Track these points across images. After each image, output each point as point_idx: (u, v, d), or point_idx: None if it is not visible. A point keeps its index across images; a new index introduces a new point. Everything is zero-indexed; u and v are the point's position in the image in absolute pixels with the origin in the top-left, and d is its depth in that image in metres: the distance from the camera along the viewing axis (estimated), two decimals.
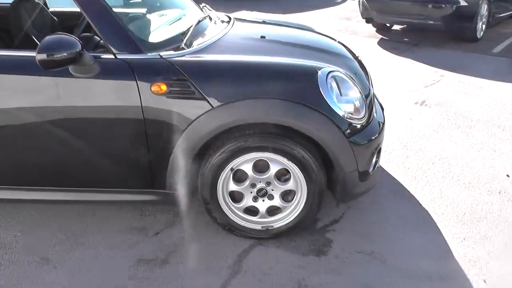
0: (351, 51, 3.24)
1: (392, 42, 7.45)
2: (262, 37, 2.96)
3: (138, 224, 2.88)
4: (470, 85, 5.37)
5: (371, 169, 2.70)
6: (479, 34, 7.28)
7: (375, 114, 2.77)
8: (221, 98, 2.38)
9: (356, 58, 3.12)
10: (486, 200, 3.12)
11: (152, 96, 2.38)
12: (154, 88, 2.37)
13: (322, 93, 2.41)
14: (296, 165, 2.47)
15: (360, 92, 2.61)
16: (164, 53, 2.46)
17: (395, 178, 3.40)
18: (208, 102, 2.37)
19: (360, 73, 2.89)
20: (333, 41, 3.35)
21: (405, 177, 3.41)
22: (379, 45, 7.25)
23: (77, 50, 2.27)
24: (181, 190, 2.58)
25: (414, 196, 3.17)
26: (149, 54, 2.44)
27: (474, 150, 3.81)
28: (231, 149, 2.44)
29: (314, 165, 2.47)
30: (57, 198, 2.68)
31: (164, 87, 2.37)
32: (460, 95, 5.04)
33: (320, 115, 2.41)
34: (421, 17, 7.11)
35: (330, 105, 2.43)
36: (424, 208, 3.04)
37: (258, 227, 2.67)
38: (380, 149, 2.77)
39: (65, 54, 2.25)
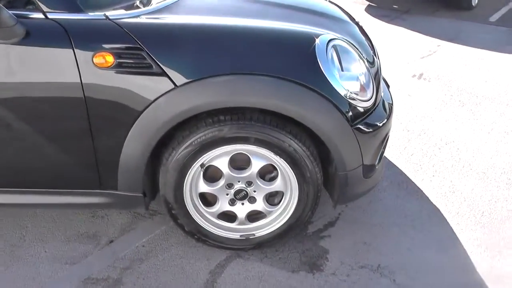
0: (348, 13, 2.66)
1: (380, 9, 6.84)
2: None
3: (88, 230, 2.31)
4: (470, 56, 4.85)
5: (377, 162, 2.18)
6: (474, 1, 6.75)
7: (382, 94, 2.22)
8: (188, 73, 1.79)
9: (356, 22, 2.54)
10: (506, 195, 2.63)
11: (94, 70, 1.78)
12: (97, 59, 1.77)
13: (321, 67, 1.84)
14: (286, 161, 1.92)
15: (366, 66, 2.05)
16: (111, 13, 1.85)
17: (397, 167, 2.88)
18: (170, 79, 1.78)
19: (363, 42, 2.31)
20: (324, 1, 2.76)
21: (408, 165, 2.90)
22: (367, 12, 6.65)
23: None
24: (137, 191, 2.01)
25: (421, 190, 2.66)
26: (90, 13, 1.83)
27: (484, 132, 3.31)
28: (201, 141, 1.87)
29: (308, 160, 1.93)
30: None
31: (110, 58, 1.77)
32: (461, 67, 4.52)
33: (318, 96, 1.85)
34: None
35: (331, 82, 1.87)
36: (434, 205, 2.54)
37: (236, 236, 2.13)
38: (388, 137, 2.23)
39: None
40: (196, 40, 1.86)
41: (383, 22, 6.13)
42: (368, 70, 2.07)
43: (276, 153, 1.90)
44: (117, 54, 1.77)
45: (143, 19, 1.87)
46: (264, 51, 1.87)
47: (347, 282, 2.03)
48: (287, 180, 1.99)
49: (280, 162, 1.94)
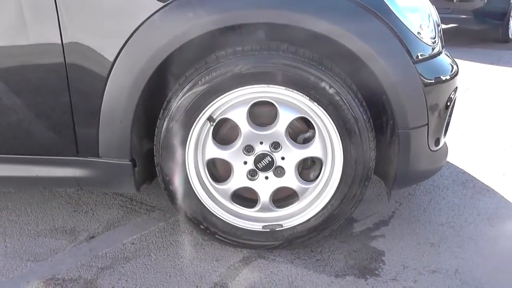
0: None
1: None
2: None
3: (66, 224, 1.79)
4: None
5: (442, 134, 1.64)
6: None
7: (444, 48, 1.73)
8: None
9: None
10: None
11: None
12: None
13: None
14: (325, 110, 1.39)
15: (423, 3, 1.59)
16: None
17: (456, 166, 2.31)
18: None
19: None
20: None
21: (471, 164, 2.32)
22: None
23: None
24: (123, 157, 1.48)
25: (492, 188, 2.07)
26: None
27: None
28: (210, 79, 1.36)
29: (357, 110, 1.39)
30: None
31: None
32: (502, 84, 4.04)
33: (374, 19, 1.36)
34: (447, 11, 6.16)
35: (391, 7, 1.39)
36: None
37: (257, 227, 1.55)
38: (454, 102, 1.70)
39: None
40: None
41: None
42: (427, 6, 1.60)
43: (313, 99, 1.38)
44: None
45: None
46: None
47: None
48: (327, 141, 1.45)
49: (318, 114, 1.40)
